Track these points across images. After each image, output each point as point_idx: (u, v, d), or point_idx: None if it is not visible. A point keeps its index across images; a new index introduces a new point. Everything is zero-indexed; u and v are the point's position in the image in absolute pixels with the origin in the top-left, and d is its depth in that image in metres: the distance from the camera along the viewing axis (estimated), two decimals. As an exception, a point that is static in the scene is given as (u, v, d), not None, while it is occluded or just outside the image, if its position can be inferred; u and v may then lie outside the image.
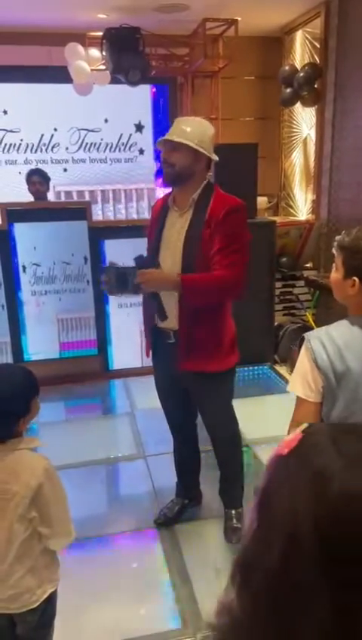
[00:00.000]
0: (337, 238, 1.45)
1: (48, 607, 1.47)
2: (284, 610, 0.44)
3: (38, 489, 1.34)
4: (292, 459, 0.49)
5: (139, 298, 2.31)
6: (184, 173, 2.04)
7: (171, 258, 2.09)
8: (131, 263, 2.04)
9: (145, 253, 2.22)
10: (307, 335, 1.43)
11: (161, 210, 2.20)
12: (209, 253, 2.02)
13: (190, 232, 2.06)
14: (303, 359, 1.42)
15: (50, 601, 1.48)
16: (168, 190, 2.22)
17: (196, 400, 2.34)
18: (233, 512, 2.40)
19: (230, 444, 2.40)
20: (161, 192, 5.85)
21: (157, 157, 5.90)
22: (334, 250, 1.46)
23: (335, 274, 1.45)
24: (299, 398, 1.43)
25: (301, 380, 1.42)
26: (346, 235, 1.43)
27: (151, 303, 2.12)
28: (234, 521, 2.38)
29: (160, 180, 5.93)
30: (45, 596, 1.44)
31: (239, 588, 0.49)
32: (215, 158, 2.09)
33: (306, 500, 0.44)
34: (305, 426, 0.52)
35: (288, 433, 1.45)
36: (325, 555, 0.42)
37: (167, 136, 2.02)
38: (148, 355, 2.34)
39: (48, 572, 1.45)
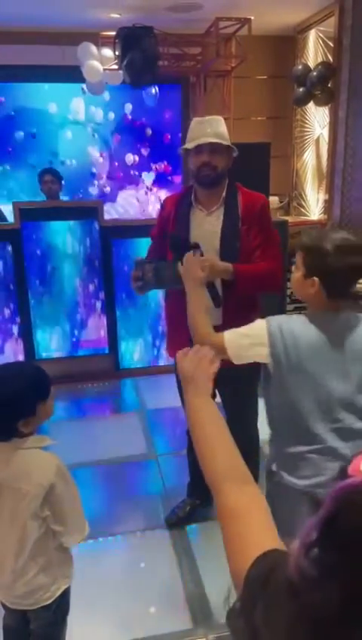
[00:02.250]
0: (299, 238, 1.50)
1: (61, 604, 1.47)
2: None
3: (51, 488, 1.34)
4: None
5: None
6: (223, 174, 2.08)
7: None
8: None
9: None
10: (268, 318, 1.48)
11: (180, 211, 2.17)
12: (248, 248, 2.06)
13: (226, 230, 2.07)
14: (258, 329, 1.47)
15: (64, 598, 1.48)
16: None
17: (228, 400, 2.26)
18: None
19: (252, 450, 2.29)
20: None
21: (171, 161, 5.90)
22: (296, 250, 1.50)
23: (296, 273, 1.49)
24: (221, 336, 1.48)
25: (240, 337, 1.47)
26: (306, 235, 1.47)
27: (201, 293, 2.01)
28: None
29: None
30: (59, 593, 1.44)
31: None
32: (236, 153, 2.11)
33: None
34: None
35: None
36: None
37: (208, 139, 2.01)
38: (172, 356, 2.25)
39: (62, 569, 1.45)
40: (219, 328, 2.05)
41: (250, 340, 1.47)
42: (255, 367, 2.12)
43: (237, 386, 2.19)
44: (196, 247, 1.87)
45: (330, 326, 1.45)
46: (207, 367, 1.05)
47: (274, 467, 1.55)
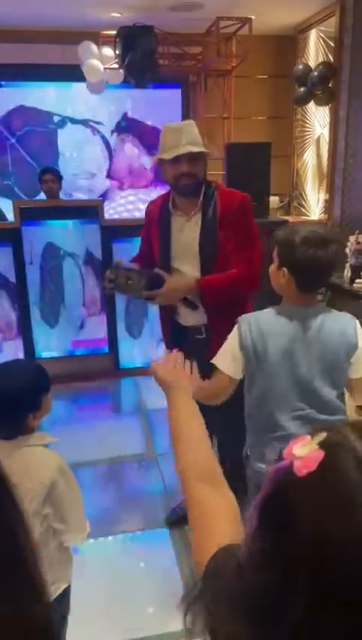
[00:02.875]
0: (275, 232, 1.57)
1: (62, 604, 1.47)
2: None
3: (52, 486, 1.34)
4: (315, 482, 0.45)
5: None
6: (203, 181, 2.06)
7: (188, 264, 2.10)
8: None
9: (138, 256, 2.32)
10: (240, 318, 1.59)
11: (161, 216, 2.17)
12: (225, 252, 2.04)
13: (204, 236, 2.06)
14: (232, 338, 1.59)
15: (64, 598, 1.48)
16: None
17: (218, 409, 2.26)
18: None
19: (239, 465, 2.28)
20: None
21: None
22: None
23: (272, 265, 1.57)
24: (217, 370, 1.59)
25: (224, 355, 1.59)
26: (282, 229, 1.55)
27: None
28: None
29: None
30: (59, 592, 1.44)
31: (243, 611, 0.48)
32: (213, 157, 2.19)
33: (334, 526, 0.42)
34: (321, 438, 0.47)
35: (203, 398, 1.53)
36: (341, 584, 0.41)
37: (188, 148, 1.96)
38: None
39: (62, 569, 1.45)
40: (206, 327, 2.12)
41: (231, 351, 1.57)
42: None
43: (225, 408, 2.16)
44: (158, 277, 2.03)
45: (296, 318, 1.52)
46: (182, 370, 1.10)
47: (248, 452, 1.66)
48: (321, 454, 0.46)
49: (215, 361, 1.60)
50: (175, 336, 2.23)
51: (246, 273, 2.05)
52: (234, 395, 2.09)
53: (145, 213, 2.33)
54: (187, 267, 2.10)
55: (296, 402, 1.51)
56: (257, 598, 0.46)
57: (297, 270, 1.48)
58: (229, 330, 2.02)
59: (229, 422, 2.14)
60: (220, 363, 1.59)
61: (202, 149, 1.98)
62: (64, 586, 1.46)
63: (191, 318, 2.17)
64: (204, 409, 2.14)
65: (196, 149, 1.96)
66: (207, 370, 2.10)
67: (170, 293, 2.06)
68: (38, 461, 1.37)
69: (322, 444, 0.47)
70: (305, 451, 0.46)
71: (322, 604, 0.41)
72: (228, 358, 1.58)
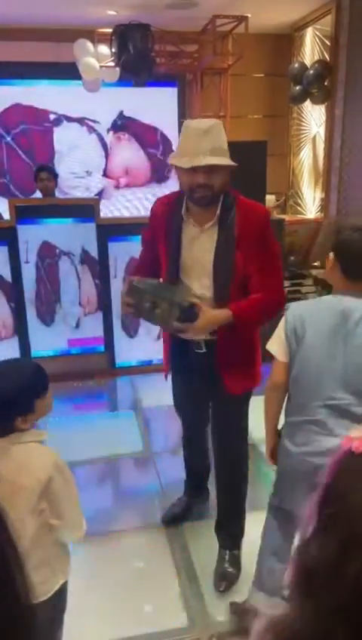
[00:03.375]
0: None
1: (59, 600, 1.48)
2: (353, 621, 0.43)
3: (48, 482, 1.34)
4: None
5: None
6: (221, 192, 1.84)
7: (197, 281, 1.93)
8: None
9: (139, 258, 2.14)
10: (288, 304, 1.68)
11: (172, 221, 1.95)
12: (242, 274, 1.88)
13: (220, 255, 1.87)
14: (280, 324, 1.66)
15: (61, 594, 1.48)
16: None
17: (219, 417, 2.15)
18: (227, 553, 2.16)
19: (240, 468, 2.18)
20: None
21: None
22: None
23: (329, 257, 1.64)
24: (274, 357, 1.68)
25: (274, 339, 1.68)
26: (335, 218, 1.64)
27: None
28: (227, 565, 2.12)
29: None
30: (56, 587, 1.44)
31: (301, 598, 0.47)
32: (236, 165, 1.83)
33: None
34: None
35: (269, 389, 1.73)
36: None
37: (207, 160, 1.73)
38: (165, 370, 2.18)
39: (59, 564, 1.45)
40: (207, 342, 1.98)
41: (278, 336, 1.66)
42: (249, 391, 2.10)
43: (242, 405, 2.11)
44: (192, 308, 1.79)
45: (339, 307, 1.55)
46: None
47: (282, 431, 1.74)
48: None
49: (268, 346, 1.69)
50: (178, 346, 2.07)
51: (276, 302, 1.92)
52: (248, 398, 2.10)
53: (152, 212, 2.08)
54: (196, 284, 1.93)
55: (329, 391, 1.54)
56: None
57: (341, 254, 1.54)
58: (238, 343, 1.98)
59: (232, 424, 2.13)
60: (272, 347, 1.68)
61: (224, 162, 1.77)
62: (62, 581, 1.46)
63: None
64: (216, 413, 2.13)
65: (216, 161, 1.74)
66: (208, 383, 2.07)
67: (204, 326, 1.82)
68: (33, 458, 1.37)
69: None
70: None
71: None
72: (276, 342, 1.66)
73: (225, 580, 2.10)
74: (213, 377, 2.00)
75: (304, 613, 0.47)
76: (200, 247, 1.91)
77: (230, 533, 2.19)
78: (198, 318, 1.79)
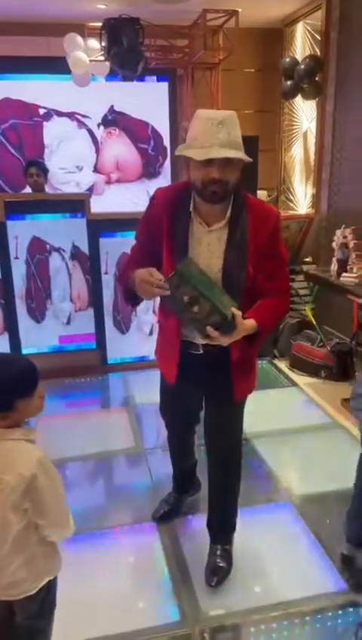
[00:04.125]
0: None
1: (48, 596, 1.47)
2: None
3: (31, 480, 1.33)
4: None
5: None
6: (234, 189, 1.73)
7: None
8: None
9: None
10: None
11: (177, 217, 1.80)
12: (252, 280, 1.79)
13: (231, 257, 1.76)
14: None
15: (50, 590, 1.47)
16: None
17: (214, 419, 2.08)
18: (219, 548, 2.15)
19: (234, 469, 2.15)
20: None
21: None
22: None
23: None
24: None
25: None
26: None
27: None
28: (219, 559, 2.12)
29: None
30: (43, 584, 1.44)
31: None
32: (249, 160, 1.71)
33: None
34: None
35: None
36: None
37: (224, 153, 1.61)
38: (173, 380, 1.97)
39: (46, 561, 1.44)
40: (227, 349, 1.81)
41: None
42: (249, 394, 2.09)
43: (239, 407, 2.07)
44: (233, 321, 1.65)
45: None
46: None
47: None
48: None
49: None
50: (167, 350, 1.98)
51: (288, 307, 1.92)
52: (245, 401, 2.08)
53: (153, 203, 1.88)
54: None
55: None
56: None
57: None
58: (249, 360, 1.94)
59: (232, 424, 2.09)
60: None
61: (241, 155, 1.65)
62: (47, 579, 1.45)
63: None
64: (211, 414, 2.13)
65: (233, 155, 1.63)
66: (213, 390, 1.98)
67: (234, 339, 1.71)
68: (18, 454, 1.36)
69: None
70: None
71: None
72: None
73: (217, 574, 2.09)
74: (220, 384, 1.92)
75: None
76: (207, 249, 1.79)
77: (222, 528, 2.19)
78: (235, 331, 1.67)
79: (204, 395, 2.07)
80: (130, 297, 1.89)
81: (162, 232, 1.82)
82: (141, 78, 5.08)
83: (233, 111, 1.73)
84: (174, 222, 1.80)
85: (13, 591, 1.40)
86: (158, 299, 1.86)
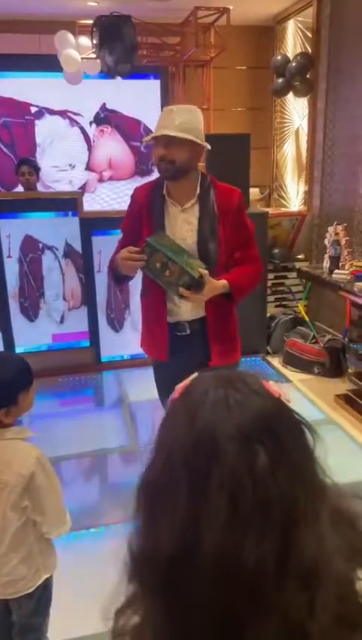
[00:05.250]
0: None
1: (44, 593, 1.48)
2: (155, 515, 0.60)
3: (31, 478, 1.34)
4: (178, 401, 0.62)
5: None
6: (184, 168, 1.93)
7: None
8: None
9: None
10: None
11: (153, 201, 2.04)
12: (225, 249, 2.00)
13: (203, 231, 1.98)
14: None
15: (46, 587, 1.48)
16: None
17: None
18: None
19: None
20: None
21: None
22: None
23: None
24: None
25: None
26: None
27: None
28: None
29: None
30: (41, 582, 1.44)
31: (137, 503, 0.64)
32: (208, 146, 1.98)
33: (181, 430, 0.58)
34: (194, 375, 0.64)
35: None
36: (187, 469, 0.55)
37: (163, 131, 1.86)
38: (165, 358, 2.12)
39: (44, 558, 1.46)
40: (191, 324, 2.07)
41: None
42: (235, 365, 2.15)
43: (201, 362, 2.15)
44: (201, 279, 1.88)
45: None
46: None
47: None
48: (188, 383, 0.63)
49: None
50: (159, 337, 2.11)
51: (260, 272, 2.13)
52: (229, 367, 2.13)
53: (132, 199, 2.17)
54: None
55: None
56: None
57: None
58: (225, 331, 2.09)
59: None
60: None
61: (180, 134, 1.85)
62: (45, 576, 1.47)
63: (185, 312, 2.07)
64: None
65: (171, 133, 1.84)
66: (189, 369, 2.10)
67: (207, 296, 1.94)
68: (16, 453, 1.37)
69: (191, 379, 0.64)
70: (182, 384, 0.64)
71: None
72: None
73: None
74: (201, 354, 2.07)
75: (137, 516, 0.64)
76: (181, 226, 2.01)
77: None
78: (203, 290, 1.89)
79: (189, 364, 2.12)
80: (118, 279, 2.14)
81: (142, 218, 2.06)
82: (133, 76, 5.07)
83: (193, 106, 2.04)
84: (152, 207, 2.04)
85: (10, 590, 1.41)
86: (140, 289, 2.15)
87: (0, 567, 1.38)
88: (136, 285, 3.97)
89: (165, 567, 0.56)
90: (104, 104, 5.77)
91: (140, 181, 5.94)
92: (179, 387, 0.64)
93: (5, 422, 1.38)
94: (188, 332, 2.09)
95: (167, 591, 0.56)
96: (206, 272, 1.91)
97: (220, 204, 1.99)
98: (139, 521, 0.63)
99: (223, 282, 1.96)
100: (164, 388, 2.31)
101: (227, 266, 2.03)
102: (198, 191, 1.99)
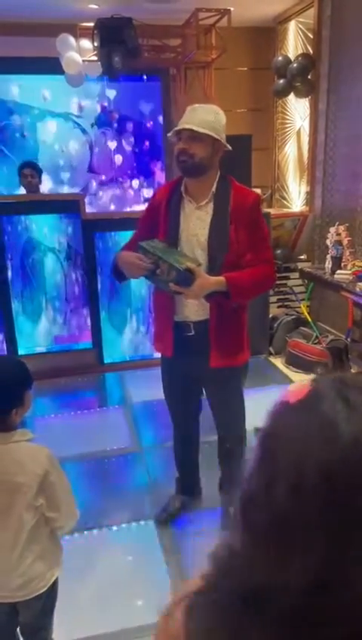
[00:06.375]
0: None
1: (53, 592, 1.49)
2: (282, 549, 0.47)
3: (45, 476, 1.37)
4: (301, 408, 0.51)
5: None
6: (204, 165, 1.98)
7: (191, 252, 2.04)
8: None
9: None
10: None
11: (172, 199, 2.09)
12: (236, 248, 2.01)
13: (215, 228, 2.01)
14: None
15: (53, 587, 1.49)
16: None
17: (214, 396, 2.28)
18: (232, 509, 2.38)
19: (240, 442, 2.33)
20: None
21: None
22: None
23: None
24: None
25: None
26: None
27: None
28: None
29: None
30: (53, 580, 1.46)
31: (241, 525, 0.52)
32: (229, 147, 2.03)
33: (315, 445, 0.47)
34: (312, 378, 0.55)
35: None
36: (327, 497, 0.46)
37: (187, 125, 1.92)
38: (170, 354, 2.17)
39: (55, 556, 1.48)
40: (196, 325, 2.09)
41: None
42: (238, 367, 2.16)
43: (221, 384, 2.20)
44: (189, 272, 1.90)
45: None
46: None
47: None
48: (309, 387, 0.53)
49: None
50: (166, 334, 2.17)
51: (269, 274, 2.12)
52: (233, 369, 2.14)
53: (153, 196, 2.28)
54: (192, 256, 2.04)
55: None
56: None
57: None
58: (228, 332, 2.09)
59: (229, 396, 2.23)
60: None
61: (201, 130, 1.91)
62: (57, 573, 1.48)
63: (191, 312, 2.10)
64: (205, 382, 2.19)
65: (193, 127, 1.91)
66: (193, 370, 2.16)
67: (199, 291, 1.95)
68: (27, 454, 1.40)
69: (312, 381, 0.54)
70: (297, 387, 0.54)
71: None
72: None
73: None
74: (204, 355, 2.08)
75: (241, 539, 0.51)
76: (196, 222, 2.05)
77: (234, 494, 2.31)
78: (193, 284, 1.90)
79: (195, 364, 2.16)
80: (118, 274, 2.15)
81: (160, 214, 2.12)
82: (134, 78, 5.08)
83: (217, 107, 2.08)
84: (170, 203, 2.10)
85: (23, 592, 1.41)
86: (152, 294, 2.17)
87: (16, 566, 1.39)
88: (138, 286, 4.00)
89: (295, 603, 0.46)
90: (105, 106, 5.79)
91: (142, 182, 5.98)
92: (294, 391, 0.54)
93: (15, 422, 1.40)
94: (193, 333, 2.11)
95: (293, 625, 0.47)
96: (196, 267, 1.93)
97: (234, 205, 2.01)
98: (249, 549, 0.50)
99: (218, 278, 1.96)
100: (168, 383, 2.35)
101: (237, 267, 2.01)
102: (214, 188, 2.03)
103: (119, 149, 5.93)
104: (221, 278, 1.96)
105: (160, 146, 5.85)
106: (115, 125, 5.85)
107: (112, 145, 5.92)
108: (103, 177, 5.96)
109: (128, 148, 5.94)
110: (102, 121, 5.82)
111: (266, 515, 0.49)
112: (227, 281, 1.96)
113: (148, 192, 5.72)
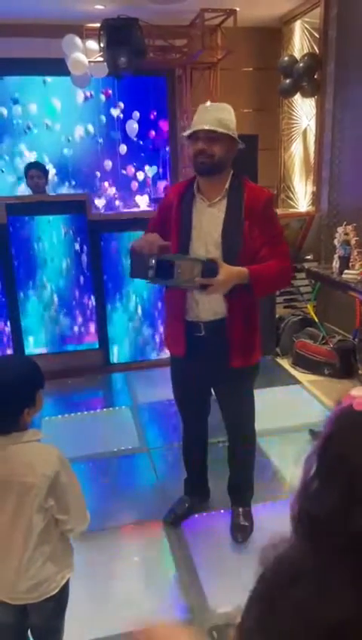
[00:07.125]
0: None
1: (63, 594, 1.48)
2: (345, 559, 0.46)
3: (55, 477, 1.36)
4: None
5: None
6: (222, 163, 1.99)
7: (204, 249, 2.02)
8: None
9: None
10: None
11: (183, 198, 2.09)
12: (250, 245, 2.00)
13: (229, 224, 2.00)
14: None
15: (65, 589, 1.48)
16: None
17: (227, 396, 2.26)
18: (241, 510, 2.38)
19: (250, 442, 2.35)
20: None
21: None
22: None
23: None
24: None
25: None
26: None
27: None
28: (242, 519, 2.36)
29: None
30: (64, 582, 1.45)
31: (302, 537, 0.51)
32: (242, 145, 2.04)
33: None
34: None
35: None
36: None
37: (206, 126, 1.92)
38: (183, 354, 2.16)
39: (65, 558, 1.47)
40: (206, 326, 2.07)
41: None
42: (251, 366, 2.15)
43: (234, 384, 2.19)
44: (213, 263, 1.88)
45: None
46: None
47: None
48: None
49: None
50: (175, 333, 2.17)
51: (287, 268, 2.11)
52: (247, 369, 2.14)
53: (164, 196, 2.29)
54: (203, 253, 2.02)
55: None
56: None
57: None
58: (245, 331, 2.08)
59: (243, 396, 2.23)
60: None
61: (220, 129, 1.92)
62: (69, 575, 1.47)
63: (203, 311, 2.08)
64: (219, 382, 2.17)
65: (211, 127, 1.91)
66: (204, 370, 2.15)
67: (227, 278, 1.90)
68: (38, 455, 1.39)
69: None
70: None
71: None
72: None
73: (241, 531, 2.31)
74: (218, 356, 2.08)
75: (304, 549, 0.50)
76: (209, 219, 2.04)
77: (243, 494, 2.41)
78: (219, 273, 1.88)
79: (209, 365, 2.16)
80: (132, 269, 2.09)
81: (171, 214, 2.11)
82: (140, 79, 5.08)
83: (227, 104, 2.05)
84: (182, 201, 2.09)
85: (34, 594, 1.41)
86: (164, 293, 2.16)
87: (27, 568, 1.38)
88: (144, 287, 3.99)
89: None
90: (112, 107, 5.80)
91: (148, 182, 5.98)
92: (359, 397, 0.52)
93: (26, 421, 1.40)
94: (203, 333, 2.09)
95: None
96: (217, 258, 1.93)
97: (248, 202, 2.01)
98: (315, 576, 0.48)
99: (241, 269, 1.94)
100: (180, 384, 2.33)
101: (252, 262, 2.01)
102: (227, 186, 2.03)
103: (125, 149, 5.94)
104: (243, 269, 1.94)
105: (164, 137, 5.83)
106: (121, 125, 5.87)
107: (118, 145, 5.93)
108: (110, 164, 5.93)
109: (134, 148, 5.95)
110: (108, 121, 5.84)
111: (327, 527, 0.47)
112: (249, 271, 1.95)
113: (154, 184, 5.73)
